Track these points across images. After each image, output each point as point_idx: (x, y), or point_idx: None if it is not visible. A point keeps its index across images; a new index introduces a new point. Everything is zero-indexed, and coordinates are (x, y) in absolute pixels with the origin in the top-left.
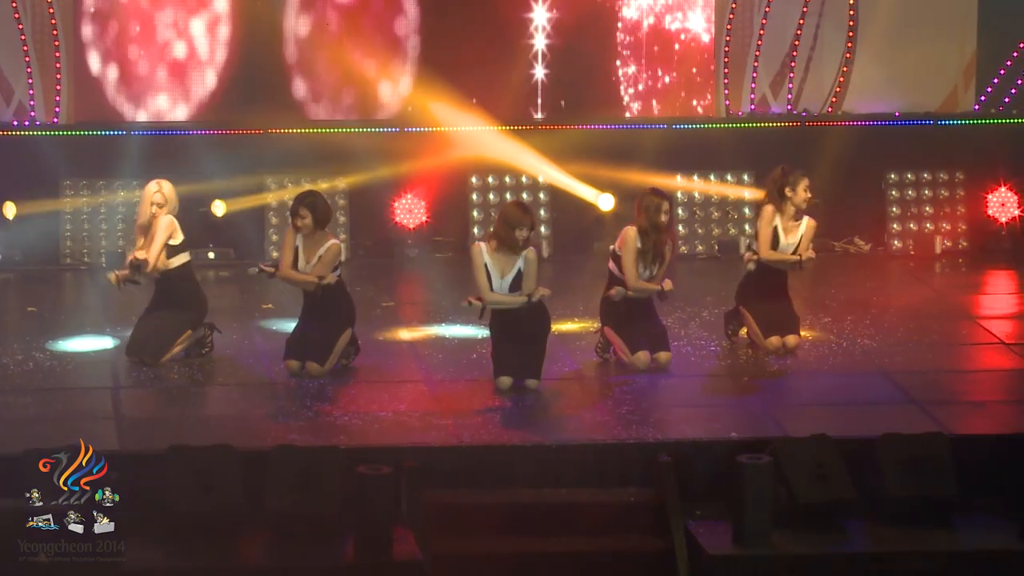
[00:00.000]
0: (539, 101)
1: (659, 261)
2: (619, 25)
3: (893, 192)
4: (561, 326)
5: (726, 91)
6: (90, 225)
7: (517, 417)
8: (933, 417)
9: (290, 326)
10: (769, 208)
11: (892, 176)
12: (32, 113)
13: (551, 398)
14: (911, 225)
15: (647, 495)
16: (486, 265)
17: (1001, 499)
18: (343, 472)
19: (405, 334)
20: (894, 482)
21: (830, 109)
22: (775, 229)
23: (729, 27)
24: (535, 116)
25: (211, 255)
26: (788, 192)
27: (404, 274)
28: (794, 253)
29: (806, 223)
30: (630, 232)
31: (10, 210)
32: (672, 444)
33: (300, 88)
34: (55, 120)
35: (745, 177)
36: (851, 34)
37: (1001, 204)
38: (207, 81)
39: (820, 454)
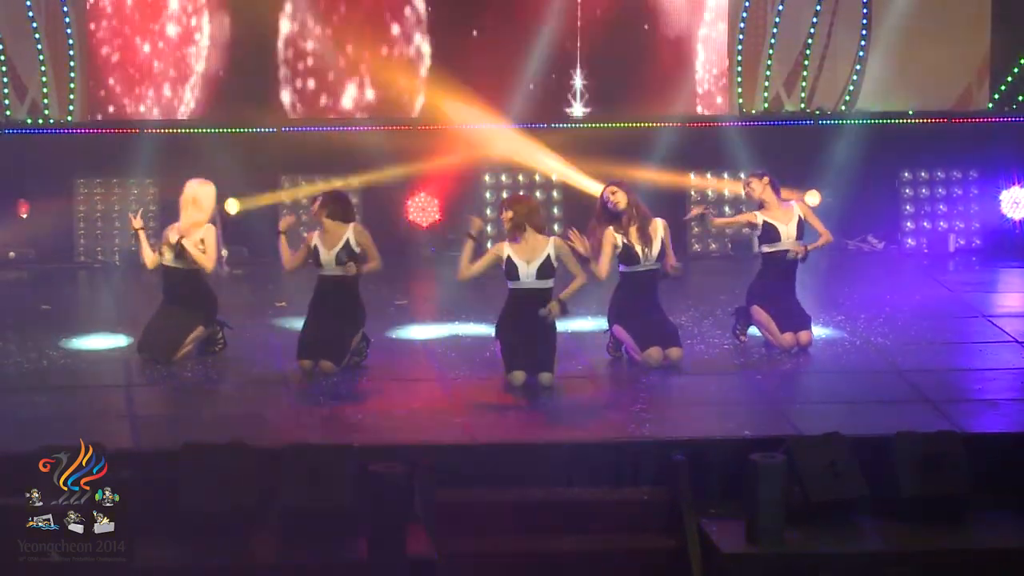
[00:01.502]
0: (576, 96)
1: (648, 242)
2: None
3: (907, 190)
4: (574, 325)
5: (740, 89)
6: (104, 224)
7: (530, 415)
8: (947, 415)
9: (302, 323)
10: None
11: (906, 174)
12: (46, 112)
13: (564, 396)
14: (925, 223)
15: (661, 493)
16: (510, 257)
17: (1015, 497)
18: (357, 470)
19: (418, 332)
20: (908, 480)
21: (844, 107)
22: (768, 224)
23: (743, 26)
24: (567, 112)
25: (224, 253)
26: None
27: (417, 272)
28: (799, 239)
29: (796, 208)
30: (607, 232)
31: (24, 209)
32: (685, 442)
33: (309, 86)
34: (68, 118)
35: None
36: (865, 32)
37: (1015, 202)
38: (218, 80)
39: (834, 452)
